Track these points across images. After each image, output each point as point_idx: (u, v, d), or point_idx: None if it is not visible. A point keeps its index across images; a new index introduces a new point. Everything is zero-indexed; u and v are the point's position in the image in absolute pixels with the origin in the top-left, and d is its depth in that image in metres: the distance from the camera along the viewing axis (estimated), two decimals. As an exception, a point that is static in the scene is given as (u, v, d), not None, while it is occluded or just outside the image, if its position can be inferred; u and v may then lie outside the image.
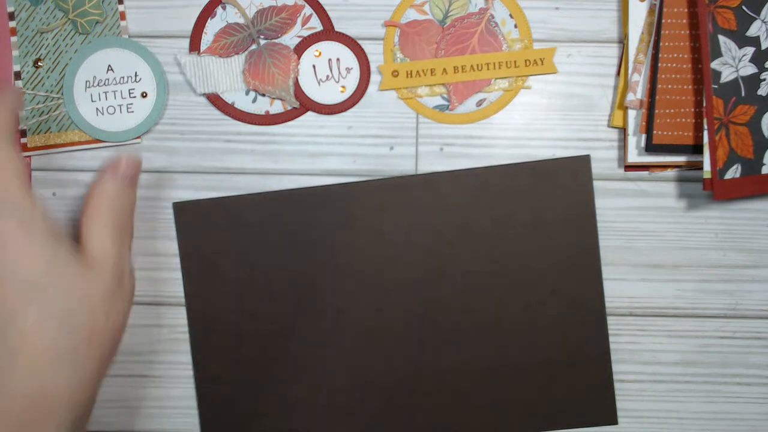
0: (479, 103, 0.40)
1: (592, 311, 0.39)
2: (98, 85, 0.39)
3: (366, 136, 0.40)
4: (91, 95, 0.39)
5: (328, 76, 0.40)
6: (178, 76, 0.40)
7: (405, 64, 0.40)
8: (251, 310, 0.39)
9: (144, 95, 0.40)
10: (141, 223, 0.41)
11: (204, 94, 0.40)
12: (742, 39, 0.38)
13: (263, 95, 0.40)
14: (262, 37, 0.40)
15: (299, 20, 0.40)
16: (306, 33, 0.40)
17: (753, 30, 0.38)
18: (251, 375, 0.39)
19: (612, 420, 0.40)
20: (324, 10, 0.40)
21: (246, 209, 0.39)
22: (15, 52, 0.39)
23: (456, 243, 0.39)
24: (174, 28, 0.40)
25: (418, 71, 0.40)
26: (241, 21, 0.40)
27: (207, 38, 0.40)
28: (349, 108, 0.40)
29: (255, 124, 0.40)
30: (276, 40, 0.40)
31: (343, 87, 0.40)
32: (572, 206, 0.39)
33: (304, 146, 0.40)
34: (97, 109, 0.39)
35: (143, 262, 0.41)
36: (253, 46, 0.40)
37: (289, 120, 0.40)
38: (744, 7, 0.38)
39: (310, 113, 0.40)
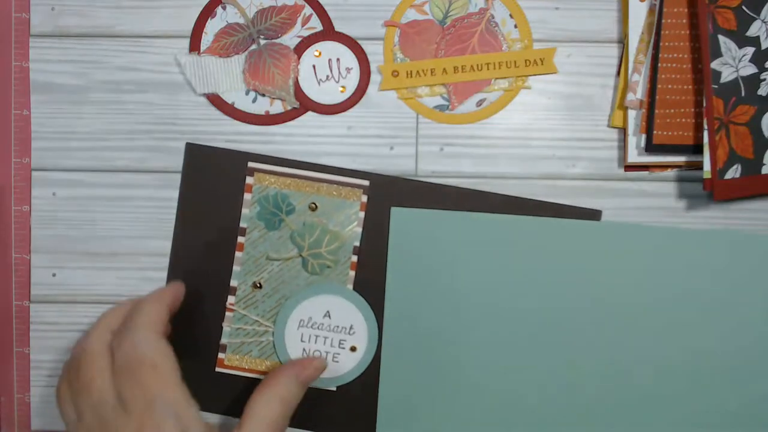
0: (479, 103, 0.40)
1: None
2: (312, 326, 0.39)
3: (366, 136, 0.40)
4: (302, 334, 0.39)
5: (328, 76, 0.40)
6: (178, 76, 0.40)
7: (405, 64, 0.40)
8: None
9: (353, 349, 0.39)
10: (141, 223, 0.41)
11: (204, 94, 0.40)
12: (742, 39, 0.38)
13: (263, 95, 0.40)
14: (262, 37, 0.40)
15: (299, 20, 0.40)
16: (306, 33, 0.40)
17: (753, 30, 0.38)
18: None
19: None
20: (324, 10, 0.40)
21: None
22: (237, 268, 0.39)
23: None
24: (174, 28, 0.40)
25: (418, 71, 0.40)
26: (241, 21, 0.40)
27: (207, 38, 0.40)
28: (349, 108, 0.40)
29: (255, 124, 0.40)
30: (276, 40, 0.40)
31: (343, 87, 0.40)
32: None
33: (304, 146, 0.40)
34: (304, 349, 0.39)
35: (143, 261, 0.41)
36: (253, 46, 0.40)
37: (289, 120, 0.40)
38: (744, 7, 0.38)
39: (310, 113, 0.40)
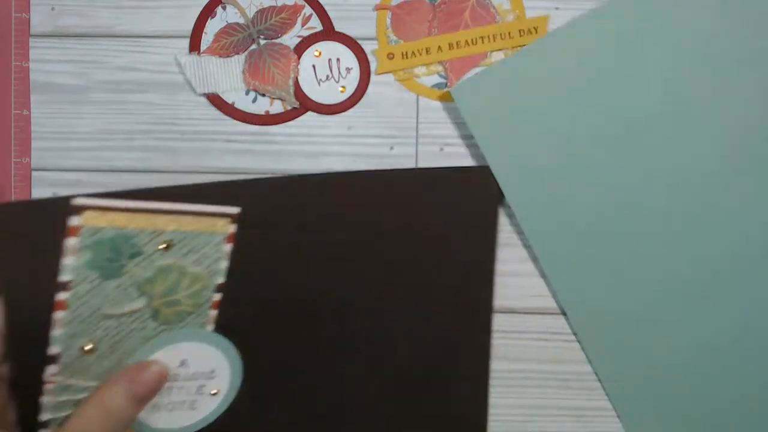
0: None
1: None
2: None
3: (366, 136, 0.40)
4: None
5: (328, 76, 0.40)
6: (178, 76, 0.40)
7: (399, 45, 0.40)
8: None
9: (213, 393, 0.34)
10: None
11: (204, 94, 0.40)
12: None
13: (263, 95, 0.40)
14: (262, 37, 0.40)
15: (299, 20, 0.40)
16: (306, 33, 0.40)
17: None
18: None
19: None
20: (324, 10, 0.40)
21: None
22: (58, 331, 0.31)
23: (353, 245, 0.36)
24: (174, 28, 0.40)
25: (413, 51, 0.40)
26: (241, 21, 0.40)
27: (207, 38, 0.40)
28: (349, 108, 0.40)
29: (255, 124, 0.40)
30: (276, 40, 0.40)
31: (343, 87, 0.40)
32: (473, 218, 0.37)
33: (304, 146, 0.40)
34: (154, 404, 0.33)
35: (143, 262, 0.41)
36: (253, 46, 0.40)
37: (289, 120, 0.40)
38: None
39: (310, 113, 0.40)
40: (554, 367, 0.40)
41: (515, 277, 0.39)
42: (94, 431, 0.29)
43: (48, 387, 0.32)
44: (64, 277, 0.30)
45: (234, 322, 0.34)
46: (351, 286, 0.36)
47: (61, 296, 0.31)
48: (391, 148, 0.40)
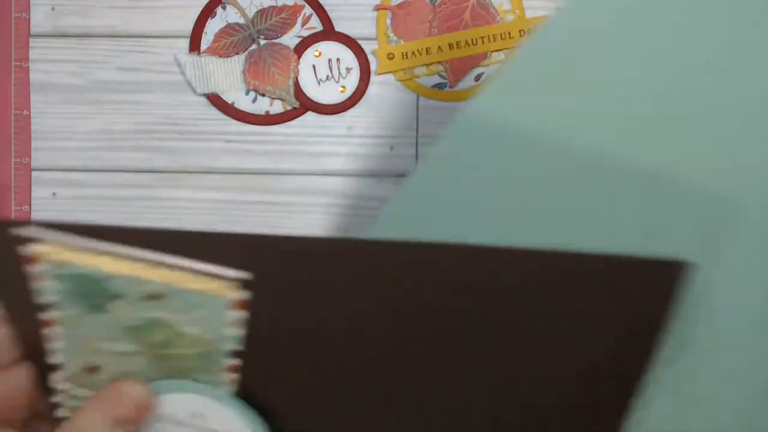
0: (477, 78, 0.40)
1: None
2: (175, 422, 0.28)
3: (366, 136, 0.40)
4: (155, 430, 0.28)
5: (328, 76, 0.40)
6: (178, 76, 0.40)
7: (399, 45, 0.40)
8: None
9: None
10: (141, 223, 0.41)
11: (204, 94, 0.40)
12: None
13: (263, 95, 0.40)
14: (262, 37, 0.40)
15: (299, 20, 0.40)
16: (306, 33, 0.40)
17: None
18: None
19: None
20: (324, 10, 0.40)
21: None
22: (56, 344, 0.26)
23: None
24: (174, 28, 0.40)
25: (413, 52, 0.40)
26: (241, 21, 0.40)
27: (207, 38, 0.40)
28: (349, 108, 0.40)
29: (255, 124, 0.40)
30: (276, 40, 0.40)
31: (343, 87, 0.40)
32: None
33: (304, 146, 0.40)
34: None
35: (143, 262, 0.41)
36: (253, 46, 0.40)
37: (289, 120, 0.40)
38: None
39: (310, 113, 0.40)
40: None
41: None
42: None
43: (57, 392, 0.27)
44: (43, 298, 0.24)
45: (262, 387, 0.28)
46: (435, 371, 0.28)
47: (47, 314, 0.25)
48: (391, 148, 0.40)
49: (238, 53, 0.40)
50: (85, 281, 0.24)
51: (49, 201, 0.41)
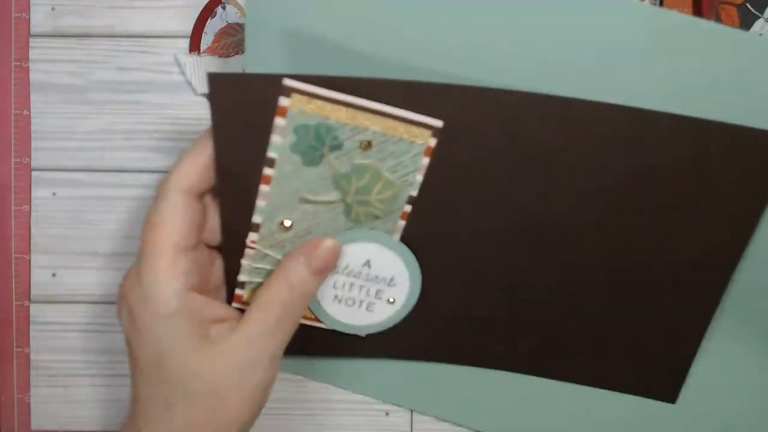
0: None
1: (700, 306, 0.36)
2: (347, 274, 0.34)
3: (366, 136, 0.40)
4: (336, 281, 0.34)
5: (328, 76, 0.40)
6: (178, 76, 0.40)
7: None
8: None
9: (390, 301, 0.35)
10: (141, 223, 0.40)
11: (204, 94, 0.40)
12: (745, 37, 0.37)
13: (263, 95, 0.40)
14: (261, 36, 0.40)
15: (299, 20, 0.40)
16: (306, 32, 0.40)
17: (756, 28, 0.38)
18: None
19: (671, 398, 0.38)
20: (324, 9, 0.40)
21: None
22: (261, 203, 0.31)
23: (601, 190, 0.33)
24: (174, 28, 0.40)
25: None
26: (241, 21, 0.40)
27: (207, 38, 0.40)
28: (349, 108, 0.40)
29: (255, 124, 0.40)
30: (276, 40, 0.40)
31: (342, 87, 0.40)
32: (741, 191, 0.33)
33: (303, 146, 0.40)
34: (335, 295, 0.35)
35: (143, 262, 0.41)
36: (253, 46, 0.40)
37: (288, 120, 0.40)
38: (748, 5, 0.37)
39: (309, 113, 0.40)
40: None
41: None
42: (282, 301, 0.31)
43: (248, 252, 0.33)
44: (270, 153, 0.30)
45: (420, 238, 0.34)
46: (572, 221, 0.34)
47: (267, 171, 0.31)
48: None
49: (238, 53, 0.40)
50: (317, 132, 0.30)
51: (49, 201, 0.41)
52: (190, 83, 0.40)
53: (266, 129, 0.30)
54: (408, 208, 0.33)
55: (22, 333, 0.41)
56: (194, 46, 0.40)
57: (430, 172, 0.32)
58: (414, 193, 0.32)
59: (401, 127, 0.30)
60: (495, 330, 0.37)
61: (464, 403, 0.40)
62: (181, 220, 0.30)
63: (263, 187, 0.31)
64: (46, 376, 0.41)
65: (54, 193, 0.41)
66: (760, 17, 0.37)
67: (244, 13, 0.40)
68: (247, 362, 0.30)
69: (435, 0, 0.34)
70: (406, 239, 0.34)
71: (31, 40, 0.40)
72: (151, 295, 0.29)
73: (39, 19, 0.40)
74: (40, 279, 0.41)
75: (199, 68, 0.40)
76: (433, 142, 0.31)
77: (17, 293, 0.41)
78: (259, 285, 0.34)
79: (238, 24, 0.40)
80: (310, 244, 0.32)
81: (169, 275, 0.29)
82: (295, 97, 0.29)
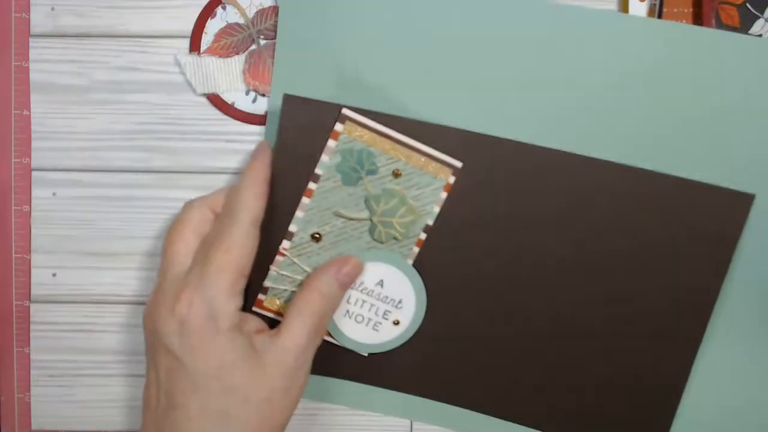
0: None
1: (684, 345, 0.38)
2: (361, 291, 0.37)
3: (366, 136, 0.40)
4: (350, 296, 0.38)
5: (328, 76, 0.40)
6: (178, 76, 0.40)
7: None
8: None
9: (396, 323, 0.38)
10: (141, 223, 0.41)
11: (204, 94, 0.40)
12: (746, 36, 0.37)
13: (263, 95, 0.40)
14: (262, 37, 0.40)
15: (299, 20, 0.40)
16: (306, 32, 0.40)
17: (756, 28, 0.38)
18: None
19: None
20: (324, 9, 0.40)
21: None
22: (299, 214, 0.37)
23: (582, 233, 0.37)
24: (174, 28, 0.40)
25: None
26: (241, 21, 0.40)
27: (207, 38, 0.40)
28: (349, 108, 0.40)
29: (255, 124, 0.40)
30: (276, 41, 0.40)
31: (342, 87, 0.40)
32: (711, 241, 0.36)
33: (303, 146, 0.40)
34: (347, 310, 0.38)
35: (143, 262, 0.41)
36: (253, 46, 0.40)
37: (288, 120, 0.40)
38: (748, 5, 0.37)
39: (309, 113, 0.40)
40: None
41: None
42: (317, 311, 0.34)
43: (278, 258, 0.38)
44: (318, 170, 0.36)
45: (430, 265, 0.38)
46: (563, 270, 0.38)
47: (311, 185, 0.36)
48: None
49: (238, 53, 0.40)
50: (359, 157, 0.36)
51: (49, 201, 0.41)
52: (190, 83, 0.40)
53: (319, 148, 0.36)
54: (423, 236, 0.37)
55: (22, 333, 0.41)
56: (194, 46, 0.40)
57: (447, 206, 0.37)
58: (431, 222, 0.37)
59: (428, 163, 0.36)
60: (485, 369, 0.39)
61: (465, 415, 0.40)
62: (251, 247, 0.33)
63: (305, 200, 0.36)
64: (46, 376, 0.41)
65: (54, 193, 0.41)
66: (760, 17, 0.37)
67: (244, 13, 0.40)
68: (293, 369, 0.33)
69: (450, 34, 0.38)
70: (417, 266, 0.38)
71: (31, 40, 0.40)
72: (215, 311, 0.32)
73: (39, 19, 0.40)
74: (40, 279, 0.41)
75: (199, 68, 0.40)
76: (452, 179, 0.36)
77: (17, 293, 0.41)
78: (282, 292, 0.38)
79: (238, 24, 0.40)
80: (340, 260, 0.36)
81: (231, 294, 0.33)
82: (348, 124, 0.36)
